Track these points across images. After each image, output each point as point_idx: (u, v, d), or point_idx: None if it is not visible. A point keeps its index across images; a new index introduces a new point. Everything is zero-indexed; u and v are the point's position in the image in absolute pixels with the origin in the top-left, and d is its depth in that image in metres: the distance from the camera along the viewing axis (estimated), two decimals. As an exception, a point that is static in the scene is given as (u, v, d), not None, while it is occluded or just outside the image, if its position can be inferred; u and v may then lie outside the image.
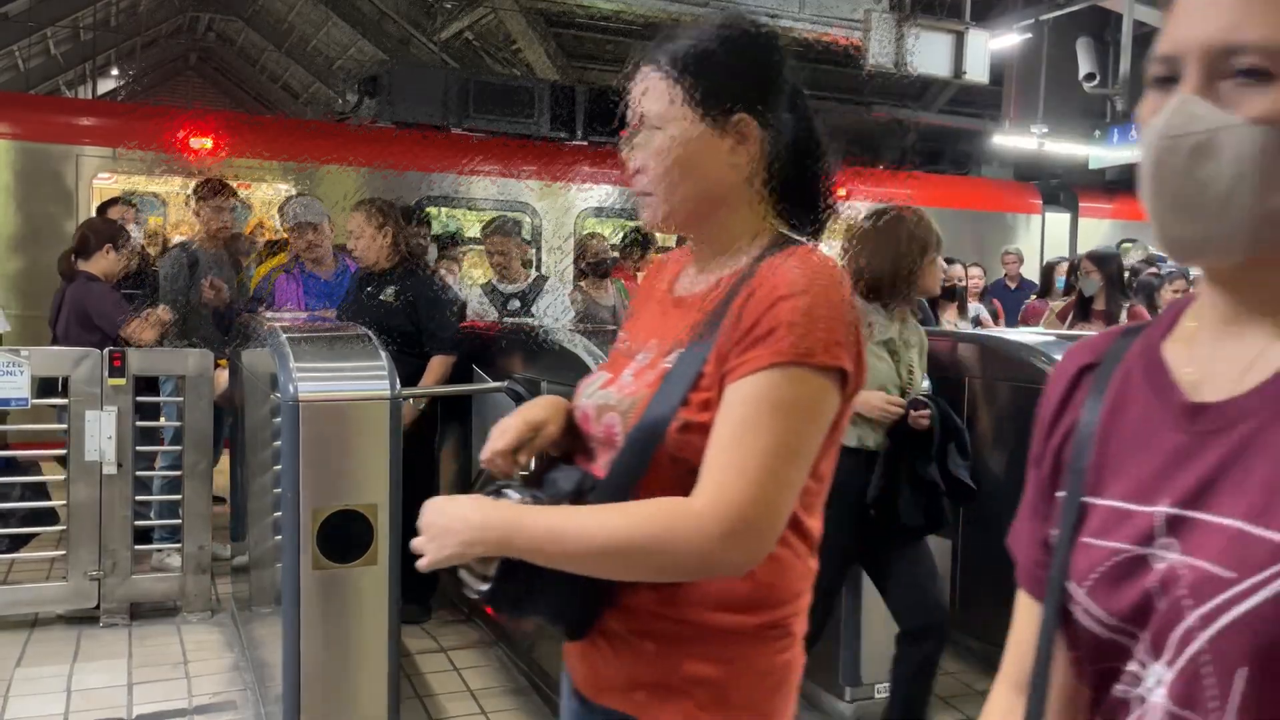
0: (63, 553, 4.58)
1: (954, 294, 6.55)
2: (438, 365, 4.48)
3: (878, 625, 3.75)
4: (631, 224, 10.85)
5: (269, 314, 4.45)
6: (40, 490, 4.74)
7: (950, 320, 6.33)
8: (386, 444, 3.16)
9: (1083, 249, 12.91)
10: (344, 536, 3.09)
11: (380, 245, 4.63)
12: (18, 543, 4.75)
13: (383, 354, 3.35)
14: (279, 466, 3.19)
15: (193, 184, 5.79)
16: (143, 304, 5.17)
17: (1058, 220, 13.18)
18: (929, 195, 12.79)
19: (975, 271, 7.55)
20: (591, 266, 6.60)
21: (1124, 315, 5.92)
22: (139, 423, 4.66)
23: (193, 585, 4.72)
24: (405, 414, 3.82)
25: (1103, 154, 12.81)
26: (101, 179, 9.32)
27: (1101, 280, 5.98)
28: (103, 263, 5.23)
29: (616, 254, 7.20)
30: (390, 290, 4.56)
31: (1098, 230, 13.42)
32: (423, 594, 4.59)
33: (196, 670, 4.13)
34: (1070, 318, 6.16)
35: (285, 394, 3.11)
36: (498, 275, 5.70)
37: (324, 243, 5.17)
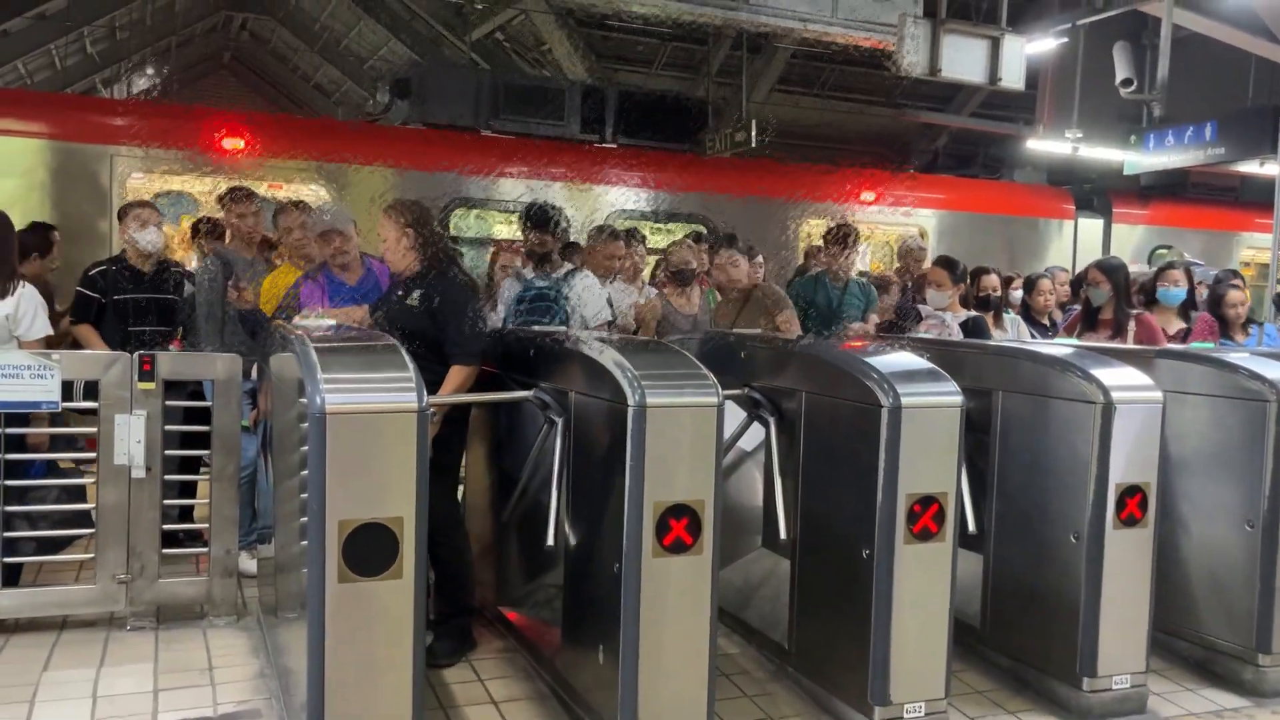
0: (91, 555, 4.60)
1: (988, 304, 6.46)
2: (456, 375, 4.33)
3: (909, 641, 3.72)
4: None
5: (305, 320, 4.44)
6: (76, 493, 4.76)
7: (992, 331, 6.24)
8: (413, 456, 3.14)
9: (1116, 255, 12.80)
10: (370, 549, 3.08)
11: (407, 249, 4.54)
12: (54, 545, 4.77)
13: (410, 365, 3.34)
14: (305, 472, 3.20)
15: (220, 190, 5.81)
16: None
17: (1091, 226, 13.04)
18: (958, 200, 12.72)
19: (1046, 284, 7.35)
20: (674, 274, 6.41)
21: (1131, 325, 5.87)
22: (167, 427, 4.66)
23: (219, 589, 4.72)
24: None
25: (1138, 159, 12.62)
26: (136, 178, 9.40)
27: (1110, 290, 5.94)
28: (31, 268, 5.72)
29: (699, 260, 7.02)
30: (416, 295, 4.44)
31: (1131, 236, 13.27)
32: (459, 627, 4.44)
33: (222, 677, 4.12)
34: (1078, 328, 6.12)
35: (312, 405, 3.10)
36: (532, 266, 5.60)
37: (350, 249, 5.16)
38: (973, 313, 6.13)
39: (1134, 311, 5.96)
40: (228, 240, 5.98)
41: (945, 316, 5.99)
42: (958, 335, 5.87)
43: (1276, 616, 4.39)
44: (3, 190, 8.61)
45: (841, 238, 6.65)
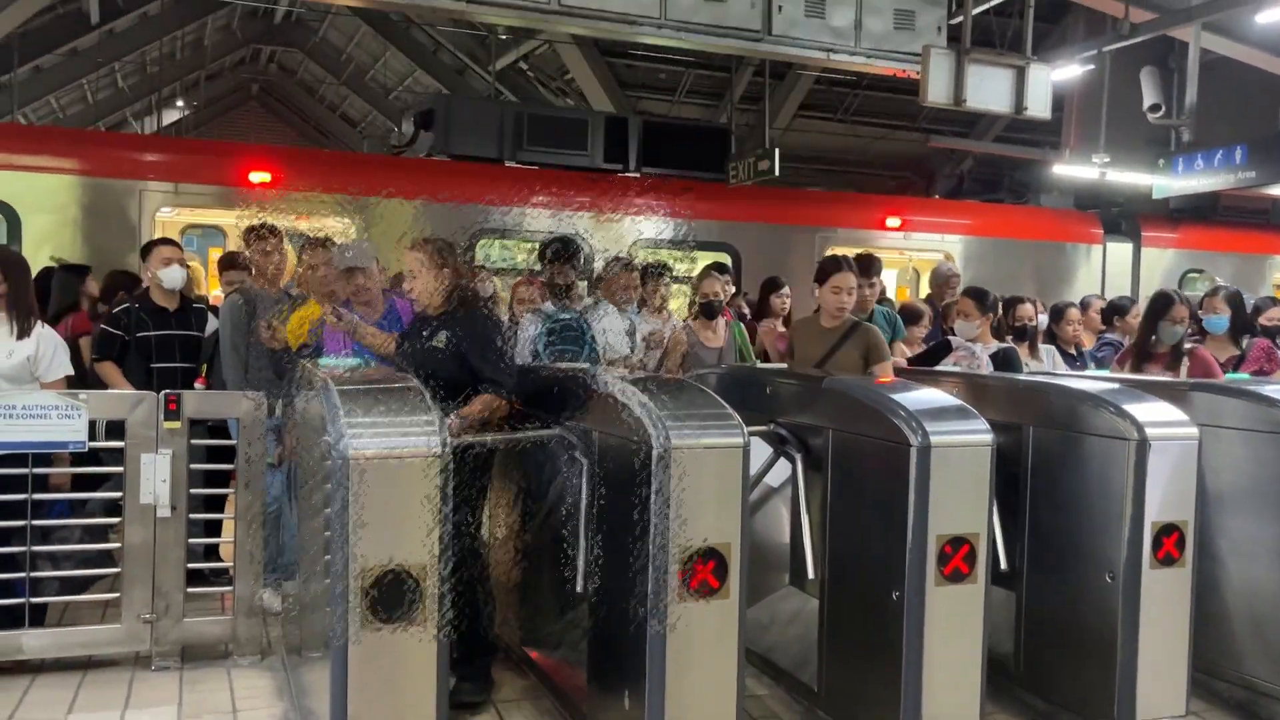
0: (117, 595, 4.60)
1: (1024, 334, 6.31)
2: (481, 400, 4.16)
3: (941, 683, 3.64)
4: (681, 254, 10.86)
5: (327, 360, 4.44)
6: (100, 532, 4.76)
7: (1027, 362, 6.13)
8: (436, 502, 3.12)
9: (1145, 279, 12.67)
10: (392, 595, 3.05)
11: (436, 287, 4.42)
12: (79, 585, 4.76)
13: (433, 408, 3.32)
14: (328, 510, 3.18)
15: (244, 227, 5.83)
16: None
17: (1120, 250, 12.92)
18: (984, 225, 12.65)
19: (1074, 313, 7.17)
20: (702, 307, 6.24)
21: (1185, 359, 5.76)
22: (192, 465, 4.66)
23: (244, 629, 4.71)
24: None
25: (1168, 183, 12.51)
26: (164, 213, 9.49)
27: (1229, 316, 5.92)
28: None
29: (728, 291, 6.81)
30: (442, 336, 4.33)
31: (1161, 260, 13.14)
32: (482, 667, 4.37)
33: (246, 719, 4.10)
34: (1130, 362, 5.98)
35: (335, 449, 3.09)
36: (553, 298, 5.55)
37: (372, 286, 5.14)
38: (1004, 344, 6.03)
39: (1187, 345, 5.83)
40: (253, 275, 6.01)
41: (975, 348, 5.90)
42: (988, 367, 5.78)
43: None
44: (35, 226, 8.75)
45: (861, 267, 6.19)
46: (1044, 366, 6.31)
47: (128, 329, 5.51)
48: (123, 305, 5.63)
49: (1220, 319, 6.20)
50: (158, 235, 8.43)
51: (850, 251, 11.45)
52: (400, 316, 5.19)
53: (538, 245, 6.38)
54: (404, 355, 4.46)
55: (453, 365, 4.26)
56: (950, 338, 6.19)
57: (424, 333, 4.43)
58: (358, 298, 5.11)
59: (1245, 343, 6.21)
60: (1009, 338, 6.19)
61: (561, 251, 5.57)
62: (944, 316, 7.07)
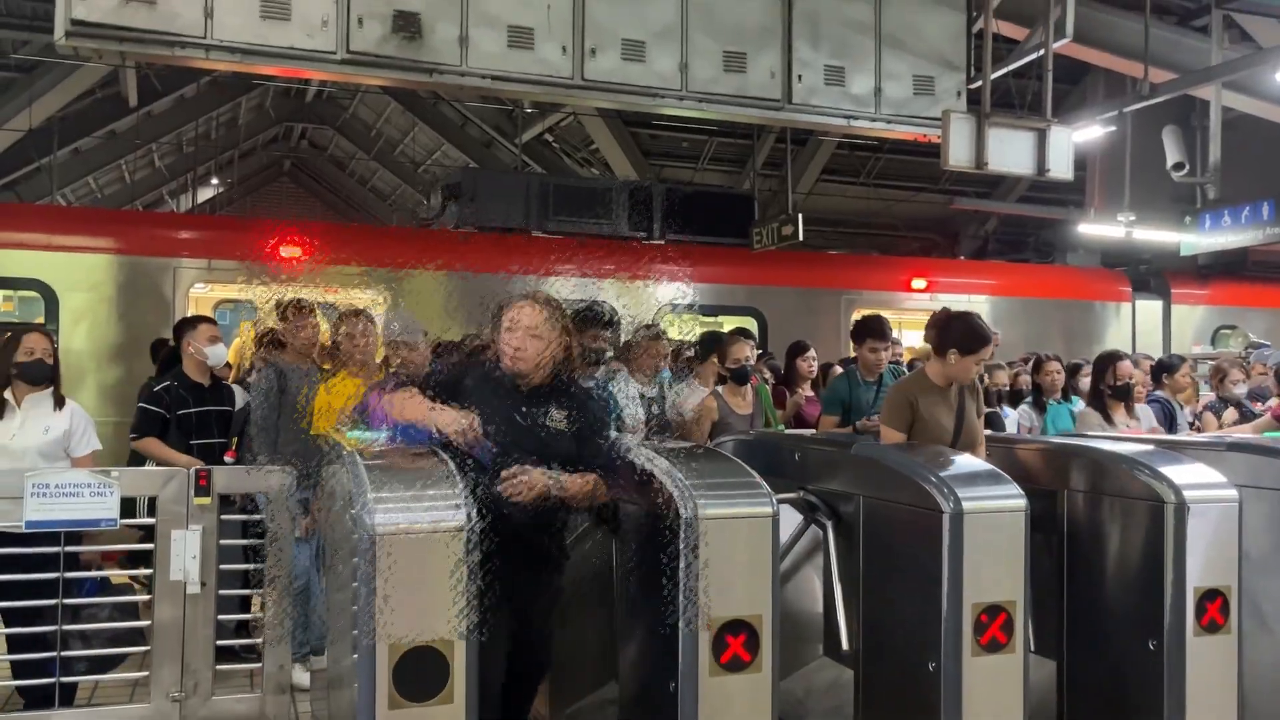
0: (145, 673, 4.57)
1: (1126, 392, 6.17)
2: (591, 479, 3.59)
3: None
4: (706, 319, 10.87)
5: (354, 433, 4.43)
6: (129, 610, 4.75)
7: (1128, 422, 6.02)
8: (463, 577, 3.09)
9: (1176, 336, 12.55)
10: (420, 673, 3.01)
11: (554, 356, 3.68)
12: (107, 664, 4.74)
13: (459, 481, 3.30)
14: (355, 584, 3.15)
15: (274, 303, 5.90)
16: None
17: (1149, 307, 12.83)
18: (1010, 285, 12.61)
19: (1054, 366, 7.20)
20: (732, 372, 6.11)
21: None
22: (222, 541, 4.65)
23: (272, 706, 4.66)
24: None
25: (1195, 240, 12.46)
26: (198, 289, 9.64)
27: None
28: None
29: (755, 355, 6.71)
30: (557, 414, 3.63)
31: (1192, 316, 13.03)
32: None
33: (274, 800, 4.04)
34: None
35: (363, 524, 3.07)
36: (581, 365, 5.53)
37: (418, 359, 5.17)
38: (989, 408, 6.08)
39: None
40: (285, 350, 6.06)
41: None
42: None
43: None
44: (72, 304, 8.90)
45: (873, 330, 6.06)
46: (1140, 426, 6.16)
47: (169, 407, 5.57)
48: (162, 384, 5.70)
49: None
50: (192, 311, 8.55)
51: (876, 312, 11.47)
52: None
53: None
54: (499, 433, 3.59)
55: (568, 447, 3.61)
56: None
57: (524, 408, 3.63)
58: (404, 370, 5.12)
59: None
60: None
61: (590, 318, 5.56)
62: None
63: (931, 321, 4.92)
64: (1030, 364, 7.35)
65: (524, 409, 3.63)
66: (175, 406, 5.57)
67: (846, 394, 6.04)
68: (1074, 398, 7.19)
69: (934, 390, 4.66)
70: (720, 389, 6.17)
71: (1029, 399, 7.13)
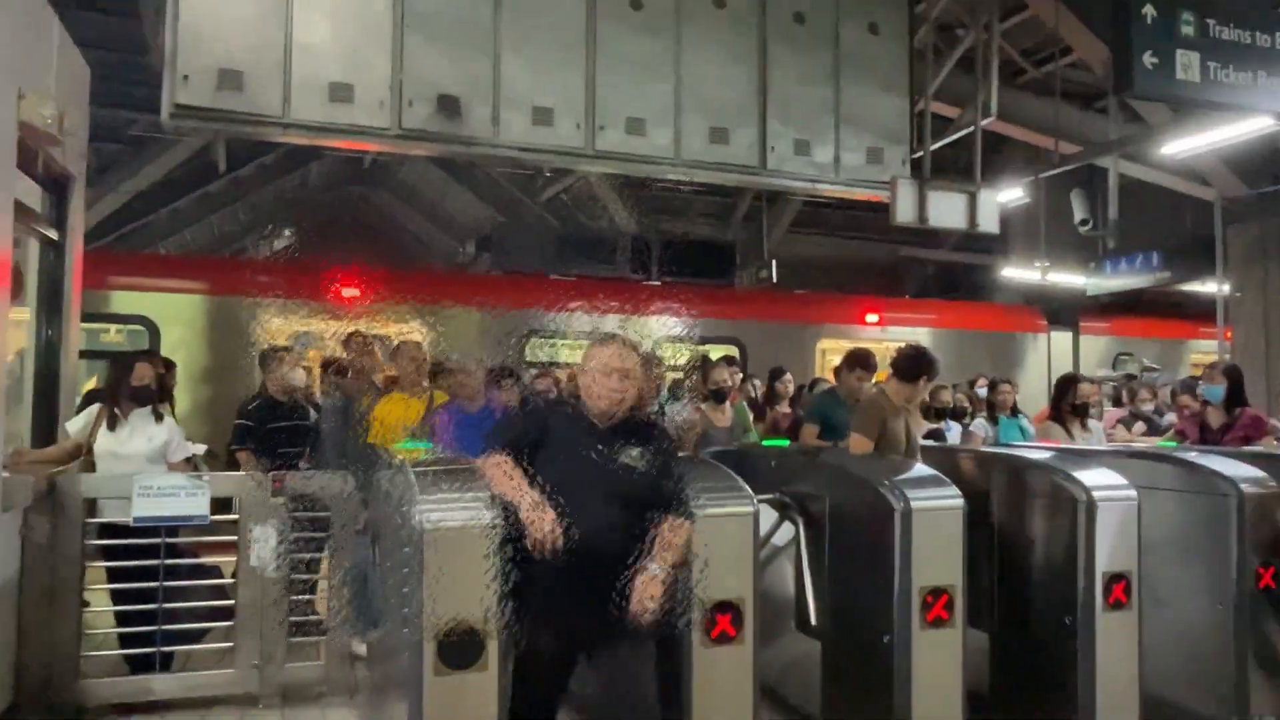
0: (230, 644, 4.54)
1: (1084, 409, 6.05)
2: (684, 531, 3.07)
3: (927, 716, 3.52)
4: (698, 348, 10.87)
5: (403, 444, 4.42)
6: (218, 591, 4.73)
7: (1079, 433, 5.94)
8: (495, 564, 3.07)
9: (1084, 362, 12.55)
10: (460, 646, 2.99)
11: (640, 393, 3.23)
12: (199, 636, 4.72)
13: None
14: (405, 571, 3.14)
15: (343, 336, 5.92)
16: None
17: (1062, 338, 12.84)
18: (947, 319, 12.62)
19: (1007, 387, 7.15)
20: (712, 393, 6.14)
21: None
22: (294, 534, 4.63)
23: (335, 673, 4.63)
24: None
25: (1098, 283, 12.54)
26: (275, 323, 9.61)
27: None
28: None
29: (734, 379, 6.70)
30: (633, 451, 3.11)
31: (1097, 346, 13.04)
32: None
33: (337, 751, 4.01)
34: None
35: (412, 522, 3.07)
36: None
37: (472, 383, 5.15)
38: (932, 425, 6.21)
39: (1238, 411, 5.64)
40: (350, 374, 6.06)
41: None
42: None
43: (1251, 685, 4.12)
44: (170, 336, 8.90)
45: (860, 361, 5.94)
46: (1092, 439, 6.02)
47: (260, 421, 5.58)
48: (254, 404, 5.71)
49: (1218, 389, 5.83)
50: (270, 343, 8.55)
51: (837, 342, 11.44)
52: (493, 411, 5.10)
53: (583, 343, 6.39)
54: (574, 473, 3.04)
55: (645, 485, 3.09)
56: None
57: (602, 446, 3.11)
58: (461, 393, 5.11)
59: (1236, 412, 5.81)
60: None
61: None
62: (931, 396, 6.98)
63: (898, 354, 4.91)
64: (987, 385, 7.32)
65: (601, 447, 3.08)
66: (265, 421, 5.58)
67: (829, 411, 5.89)
68: (1020, 414, 7.19)
69: (893, 409, 4.68)
70: (703, 406, 6.20)
71: (983, 414, 7.09)
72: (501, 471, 3.08)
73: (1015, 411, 7.12)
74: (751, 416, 6.74)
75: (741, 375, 7.60)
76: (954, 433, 7.08)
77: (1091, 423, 6.28)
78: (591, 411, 3.15)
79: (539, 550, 2.89)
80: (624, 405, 3.15)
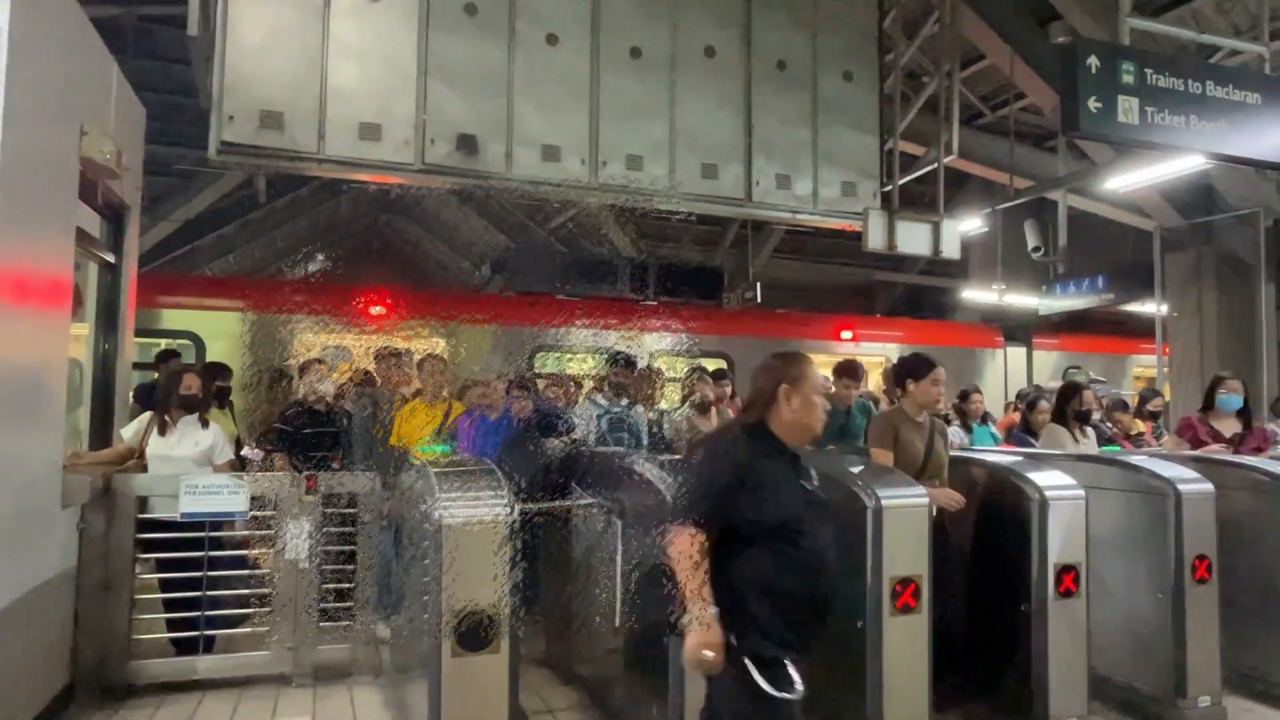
0: (267, 628, 4.52)
1: (1086, 416, 5.87)
2: None
3: (896, 691, 3.50)
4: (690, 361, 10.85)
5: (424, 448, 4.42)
6: (257, 580, 4.71)
7: (1081, 438, 5.78)
8: (507, 555, 3.07)
9: (1037, 374, 12.56)
10: (475, 630, 2.99)
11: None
12: (238, 621, 4.69)
13: (504, 484, 3.29)
14: (426, 561, 3.13)
15: (375, 349, 5.91)
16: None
17: (1016, 353, 12.85)
18: (914, 335, 12.62)
19: (978, 396, 7.07)
20: (697, 405, 6.06)
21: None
22: (326, 528, 4.61)
23: (362, 654, 4.61)
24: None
25: (1049, 303, 12.57)
26: (309, 337, 9.60)
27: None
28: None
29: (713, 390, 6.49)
30: (811, 471, 2.60)
31: (1048, 360, 13.04)
32: None
33: (362, 725, 3.98)
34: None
35: (432, 517, 3.06)
36: (612, 394, 5.54)
37: (493, 394, 5.15)
38: None
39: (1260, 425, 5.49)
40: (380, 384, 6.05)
41: None
42: None
43: (1189, 667, 4.11)
44: (214, 350, 8.88)
45: (849, 371, 5.93)
46: (1090, 443, 5.82)
47: (297, 427, 5.55)
48: (293, 409, 5.68)
49: (1235, 398, 5.62)
50: (304, 355, 8.53)
51: (815, 356, 11.44)
52: (511, 420, 5.04)
53: (604, 355, 6.41)
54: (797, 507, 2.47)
55: (824, 504, 2.61)
56: None
57: (796, 474, 2.54)
58: (484, 400, 5.11)
59: (1253, 425, 5.66)
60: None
61: (623, 361, 5.62)
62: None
63: (886, 372, 4.84)
64: (958, 395, 7.22)
65: (799, 471, 2.55)
66: (302, 426, 5.56)
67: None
68: (989, 421, 7.13)
69: (909, 421, 4.18)
70: (690, 414, 6.19)
71: (957, 422, 6.99)
72: (690, 559, 2.33)
73: (985, 419, 7.10)
74: None
75: (731, 387, 7.52)
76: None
77: (1088, 429, 6.20)
78: (796, 438, 2.56)
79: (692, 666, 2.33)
80: (797, 429, 2.57)
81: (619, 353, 5.62)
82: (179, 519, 4.34)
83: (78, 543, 4.23)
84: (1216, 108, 5.97)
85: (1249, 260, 9.49)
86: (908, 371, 4.24)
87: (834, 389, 6.01)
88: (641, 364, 6.29)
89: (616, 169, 6.74)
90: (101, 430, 5.37)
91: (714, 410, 6.28)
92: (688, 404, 6.10)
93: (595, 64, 6.63)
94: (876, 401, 7.03)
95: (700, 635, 2.26)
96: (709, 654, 2.26)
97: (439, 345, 9.33)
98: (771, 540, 2.36)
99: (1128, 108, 5.66)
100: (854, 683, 3.54)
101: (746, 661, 2.30)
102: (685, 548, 2.32)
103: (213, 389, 6.34)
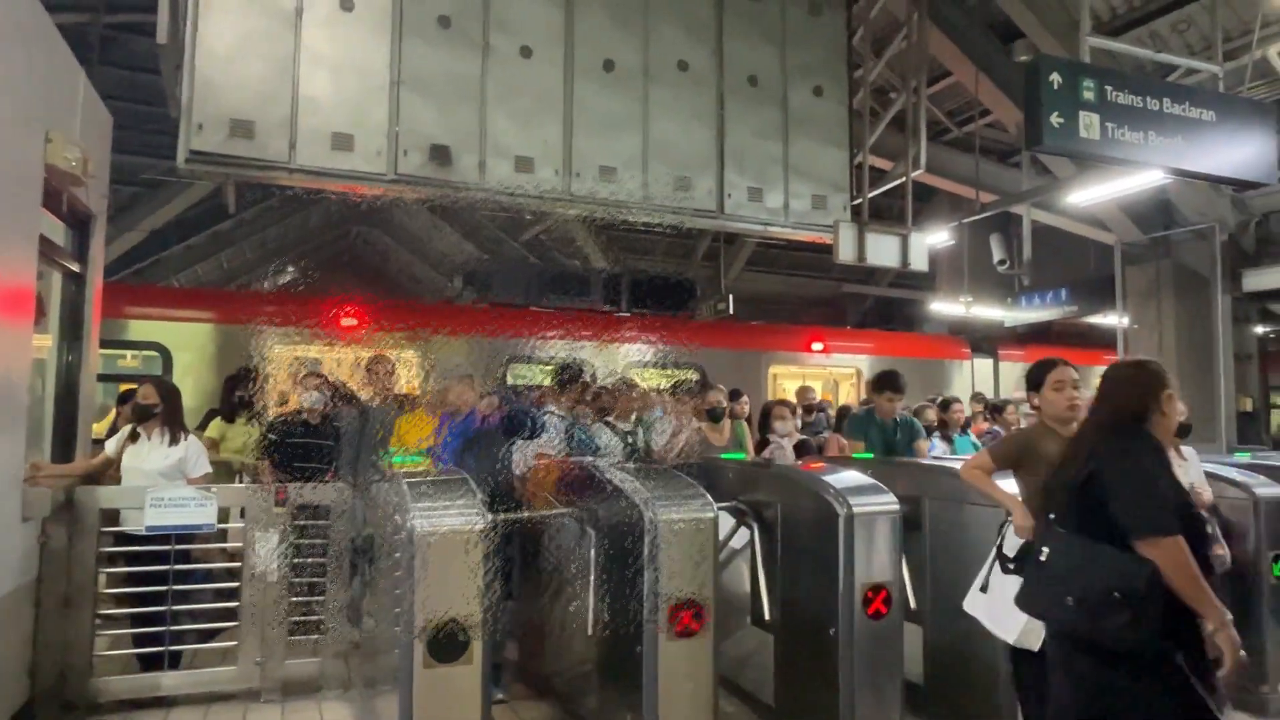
0: (235, 643, 4.44)
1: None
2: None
3: (868, 698, 3.51)
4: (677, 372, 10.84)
5: (398, 458, 4.36)
6: (223, 594, 4.62)
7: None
8: (480, 565, 3.05)
9: (1004, 385, 12.74)
10: (447, 641, 2.95)
11: None
12: (205, 635, 4.60)
13: (477, 494, 3.26)
14: (399, 573, 3.09)
15: (365, 359, 5.84)
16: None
17: (983, 364, 13.02)
18: (883, 347, 12.74)
19: (959, 406, 7.07)
20: (707, 412, 5.96)
21: None
22: (295, 540, 4.54)
23: (331, 668, 4.53)
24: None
25: (1014, 315, 12.77)
26: (277, 349, 9.46)
27: None
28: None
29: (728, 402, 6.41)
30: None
31: (1014, 371, 13.22)
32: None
33: (333, 740, 3.91)
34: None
35: (405, 527, 3.03)
36: (622, 416, 5.47)
37: (470, 397, 5.02)
38: (801, 436, 6.14)
39: None
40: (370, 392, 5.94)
41: (784, 442, 5.90)
42: (791, 454, 5.77)
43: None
44: (182, 361, 8.74)
45: (890, 383, 5.76)
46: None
47: (284, 436, 5.45)
48: (280, 420, 5.59)
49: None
50: (271, 368, 8.39)
51: (786, 368, 11.52)
52: (475, 421, 4.94)
53: (555, 368, 6.34)
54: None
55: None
56: (770, 435, 6.11)
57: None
58: (456, 404, 5.02)
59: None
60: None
61: (568, 375, 5.56)
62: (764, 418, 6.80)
63: (868, 382, 4.76)
64: (938, 405, 7.16)
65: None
66: (288, 436, 5.46)
67: (867, 428, 5.81)
68: (968, 430, 7.11)
69: (1052, 435, 3.39)
70: (701, 425, 5.98)
71: (938, 431, 6.93)
72: (1187, 566, 2.28)
73: (965, 428, 7.14)
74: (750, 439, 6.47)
75: (747, 401, 7.32)
76: (936, 449, 6.81)
77: (1187, 449, 6.03)
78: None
79: (1228, 675, 2.28)
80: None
81: (567, 364, 5.55)
82: (144, 531, 4.25)
83: (38, 556, 4.12)
84: (1174, 124, 6.12)
85: (1205, 273, 9.72)
86: (1030, 383, 3.66)
87: (874, 401, 5.88)
88: (610, 378, 6.23)
89: (590, 181, 6.74)
90: (64, 442, 5.24)
91: (728, 422, 6.17)
92: (699, 415, 5.93)
93: (569, 76, 6.66)
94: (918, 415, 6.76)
95: (1228, 633, 2.24)
96: (1243, 653, 2.26)
97: (411, 356, 9.24)
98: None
99: (1089, 123, 5.79)
100: (827, 688, 3.55)
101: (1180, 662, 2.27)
102: (1178, 556, 2.26)
103: (233, 398, 6.25)
